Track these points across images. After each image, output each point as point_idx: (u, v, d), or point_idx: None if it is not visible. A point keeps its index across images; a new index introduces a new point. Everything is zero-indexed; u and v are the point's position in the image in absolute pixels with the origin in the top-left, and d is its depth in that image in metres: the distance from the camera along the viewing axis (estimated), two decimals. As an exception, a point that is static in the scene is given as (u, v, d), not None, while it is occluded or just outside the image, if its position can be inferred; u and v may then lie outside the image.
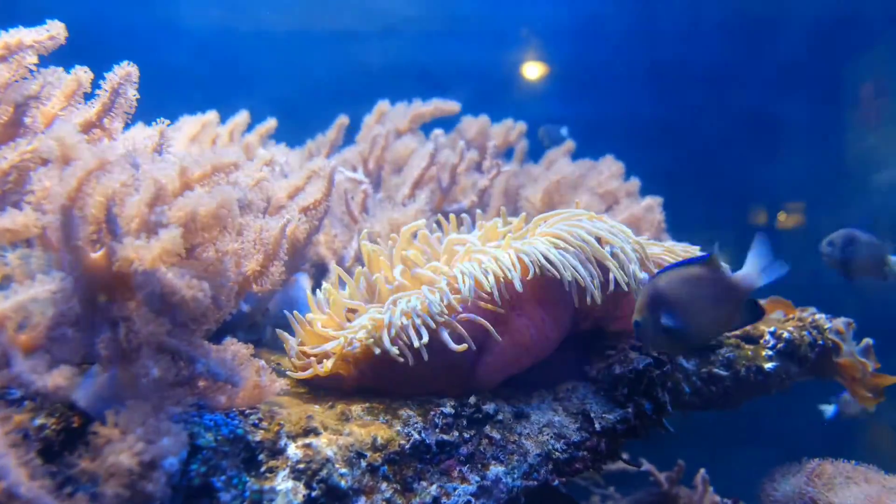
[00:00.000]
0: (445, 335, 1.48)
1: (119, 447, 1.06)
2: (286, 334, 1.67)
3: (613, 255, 1.65)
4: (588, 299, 1.59)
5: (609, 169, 2.81)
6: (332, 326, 1.66)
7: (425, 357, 1.45)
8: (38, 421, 1.16)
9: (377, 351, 1.47)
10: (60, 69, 1.43)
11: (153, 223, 1.08)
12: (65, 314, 1.07)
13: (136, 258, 1.05)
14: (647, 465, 2.91)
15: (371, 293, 1.73)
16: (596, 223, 1.72)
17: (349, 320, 1.66)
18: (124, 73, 1.42)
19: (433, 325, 1.47)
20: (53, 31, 1.37)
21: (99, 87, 1.47)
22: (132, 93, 1.45)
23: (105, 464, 1.05)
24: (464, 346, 1.48)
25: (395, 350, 1.45)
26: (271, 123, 2.73)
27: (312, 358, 1.60)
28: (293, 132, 2.98)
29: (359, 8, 4.85)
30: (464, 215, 1.99)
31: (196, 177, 1.15)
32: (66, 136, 1.07)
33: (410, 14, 4.92)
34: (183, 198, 1.11)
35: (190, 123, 2.39)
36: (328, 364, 1.53)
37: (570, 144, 3.06)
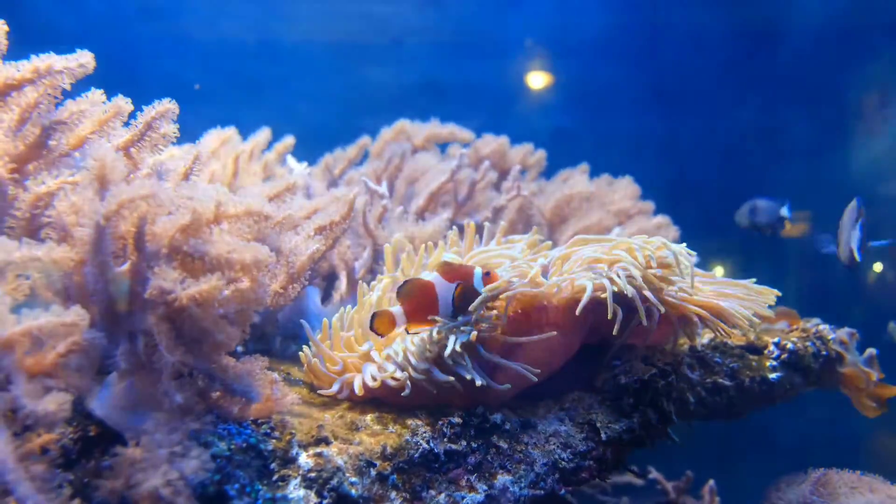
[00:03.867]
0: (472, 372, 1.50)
1: (151, 473, 1.09)
2: (308, 351, 1.70)
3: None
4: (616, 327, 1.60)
5: (625, 189, 2.84)
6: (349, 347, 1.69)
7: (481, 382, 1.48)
8: (57, 430, 1.19)
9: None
10: (100, 92, 1.45)
11: (186, 252, 1.11)
12: (79, 343, 1.10)
13: (170, 290, 1.08)
14: (654, 474, 2.92)
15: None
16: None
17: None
18: (163, 109, 1.45)
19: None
20: (83, 60, 1.39)
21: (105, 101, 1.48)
22: (169, 128, 1.46)
23: (138, 490, 1.08)
24: (481, 383, 1.50)
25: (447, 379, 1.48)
26: (289, 141, 2.76)
27: (337, 368, 1.63)
28: (302, 142, 3.02)
29: (366, 21, 4.90)
30: (485, 223, 2.01)
31: (230, 213, 1.20)
32: (107, 158, 1.12)
33: (417, 26, 4.96)
34: (222, 242, 1.15)
35: (211, 138, 2.43)
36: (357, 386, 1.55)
37: (584, 167, 3.09)
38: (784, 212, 3.02)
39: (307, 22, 4.88)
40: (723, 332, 1.72)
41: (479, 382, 1.46)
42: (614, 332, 1.55)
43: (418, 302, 1.48)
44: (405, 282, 1.51)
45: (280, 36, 4.88)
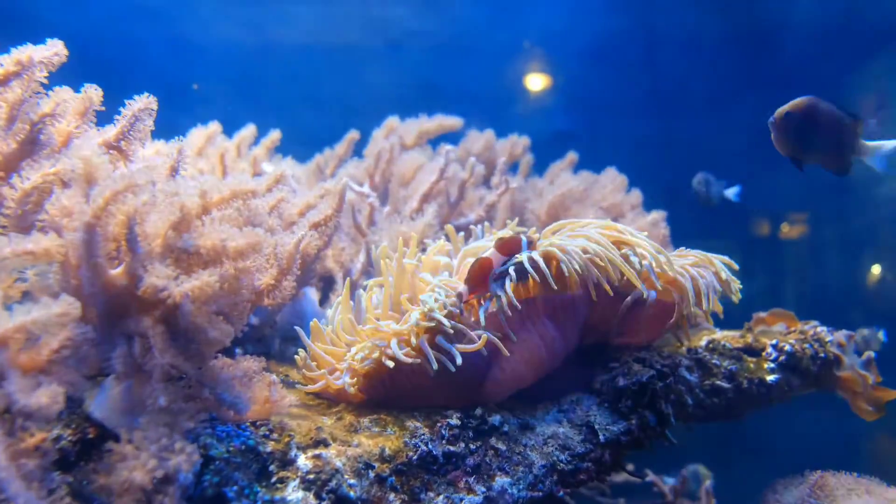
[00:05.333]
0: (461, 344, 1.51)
1: (133, 464, 1.09)
2: (303, 354, 1.71)
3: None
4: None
5: (612, 182, 2.83)
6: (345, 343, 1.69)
7: (452, 367, 1.47)
8: (56, 432, 1.19)
9: (390, 364, 1.49)
10: (68, 89, 1.46)
11: (179, 249, 1.11)
12: (72, 338, 1.09)
13: (163, 287, 1.08)
14: (651, 476, 2.92)
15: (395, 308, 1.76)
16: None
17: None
18: (145, 103, 1.46)
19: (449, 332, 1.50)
20: (56, 48, 1.40)
21: (105, 102, 1.50)
22: (149, 122, 1.49)
23: (119, 479, 1.08)
24: (480, 345, 1.50)
25: (406, 360, 1.47)
26: (275, 135, 2.76)
27: (324, 371, 1.63)
28: (299, 145, 3.02)
29: (364, 23, 4.90)
30: (473, 227, 2.02)
31: (215, 200, 1.19)
32: (92, 156, 1.11)
33: (415, 29, 4.97)
34: (214, 231, 1.15)
35: (195, 136, 2.43)
36: (348, 381, 1.55)
37: (572, 156, 3.10)
38: (730, 193, 3.38)
39: (305, 25, 4.89)
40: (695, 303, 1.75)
41: (447, 367, 1.46)
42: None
43: (478, 277, 1.57)
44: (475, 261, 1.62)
45: (278, 38, 4.89)
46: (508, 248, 1.60)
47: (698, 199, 3.44)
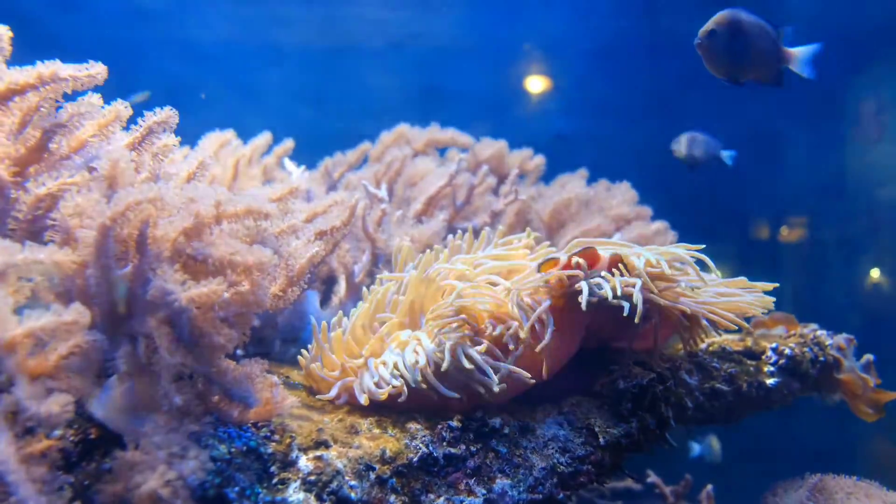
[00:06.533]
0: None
1: (149, 475, 1.09)
2: (306, 355, 1.71)
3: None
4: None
5: (623, 195, 2.84)
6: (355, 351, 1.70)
7: (497, 388, 1.50)
8: (57, 432, 1.19)
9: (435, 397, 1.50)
10: (97, 97, 1.44)
11: (188, 255, 1.12)
12: (81, 345, 1.10)
13: (171, 291, 1.09)
14: (653, 478, 2.92)
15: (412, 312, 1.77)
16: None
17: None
18: (165, 116, 1.45)
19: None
20: (94, 71, 1.37)
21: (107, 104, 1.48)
22: (170, 139, 1.47)
23: (137, 492, 1.09)
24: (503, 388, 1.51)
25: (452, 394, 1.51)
26: (289, 144, 2.78)
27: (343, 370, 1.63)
28: (300, 146, 3.03)
29: (366, 25, 4.91)
30: (487, 228, 2.02)
31: (229, 213, 1.20)
32: (119, 160, 1.12)
33: (417, 31, 4.98)
34: (224, 245, 1.16)
35: (209, 142, 2.44)
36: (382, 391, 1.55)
37: (583, 172, 3.12)
38: (725, 155, 3.08)
39: (306, 26, 4.90)
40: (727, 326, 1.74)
41: (496, 389, 1.49)
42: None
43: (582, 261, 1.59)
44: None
45: (279, 40, 4.90)
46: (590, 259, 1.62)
47: (679, 161, 3.10)
